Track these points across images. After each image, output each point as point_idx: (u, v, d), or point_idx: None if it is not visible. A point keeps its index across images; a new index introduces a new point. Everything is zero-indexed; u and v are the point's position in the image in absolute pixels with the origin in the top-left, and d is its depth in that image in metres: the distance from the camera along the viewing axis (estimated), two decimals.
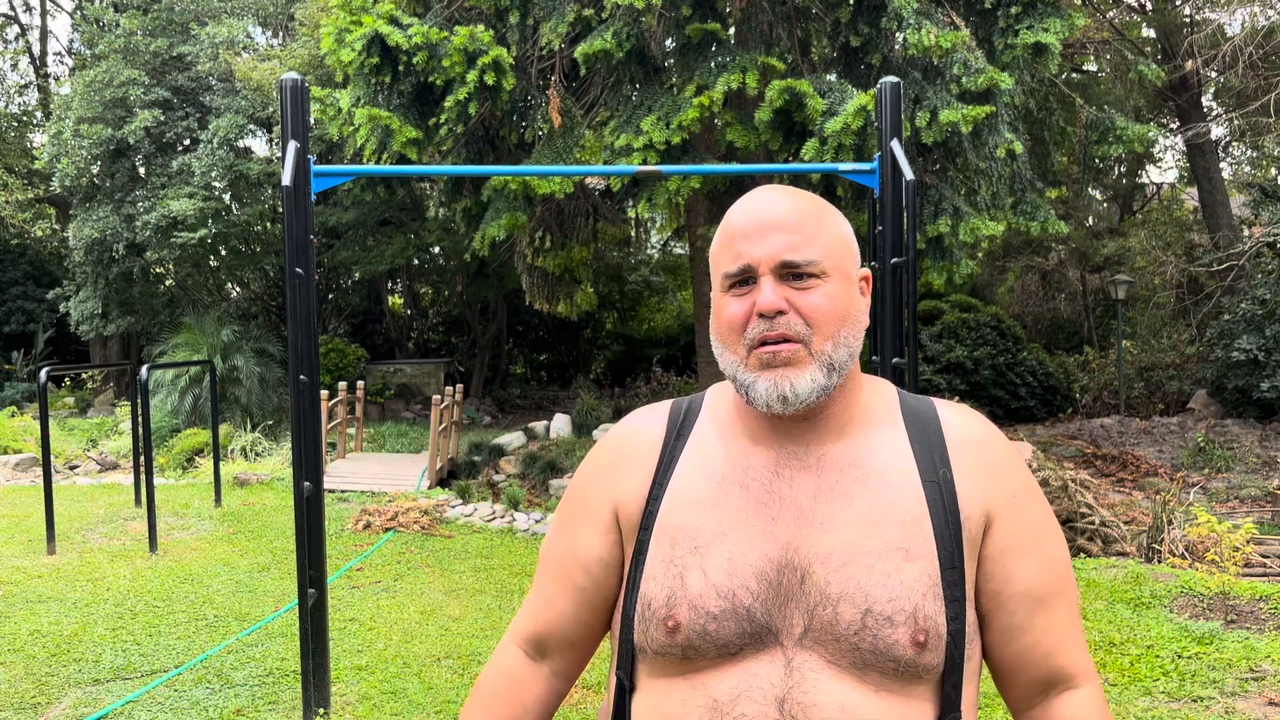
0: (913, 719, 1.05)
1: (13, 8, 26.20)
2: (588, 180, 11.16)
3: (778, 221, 1.08)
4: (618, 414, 13.48)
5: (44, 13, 24.45)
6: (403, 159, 8.91)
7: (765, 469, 1.11)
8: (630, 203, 12.45)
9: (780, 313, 1.06)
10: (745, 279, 1.09)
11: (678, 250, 21.47)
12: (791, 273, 1.07)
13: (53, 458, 10.54)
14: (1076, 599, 1.14)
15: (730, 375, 1.11)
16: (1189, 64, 13.38)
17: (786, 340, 1.06)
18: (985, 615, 1.11)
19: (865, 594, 1.03)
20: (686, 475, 1.14)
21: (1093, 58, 14.70)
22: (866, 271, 1.16)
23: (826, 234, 1.10)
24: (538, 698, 1.24)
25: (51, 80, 23.55)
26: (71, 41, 24.26)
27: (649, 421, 1.22)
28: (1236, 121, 16.37)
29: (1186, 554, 6.24)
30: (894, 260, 4.27)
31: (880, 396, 1.17)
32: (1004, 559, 1.10)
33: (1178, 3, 15.57)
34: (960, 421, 1.15)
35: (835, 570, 1.05)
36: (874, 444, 1.12)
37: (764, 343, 1.07)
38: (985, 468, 1.12)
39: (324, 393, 10.34)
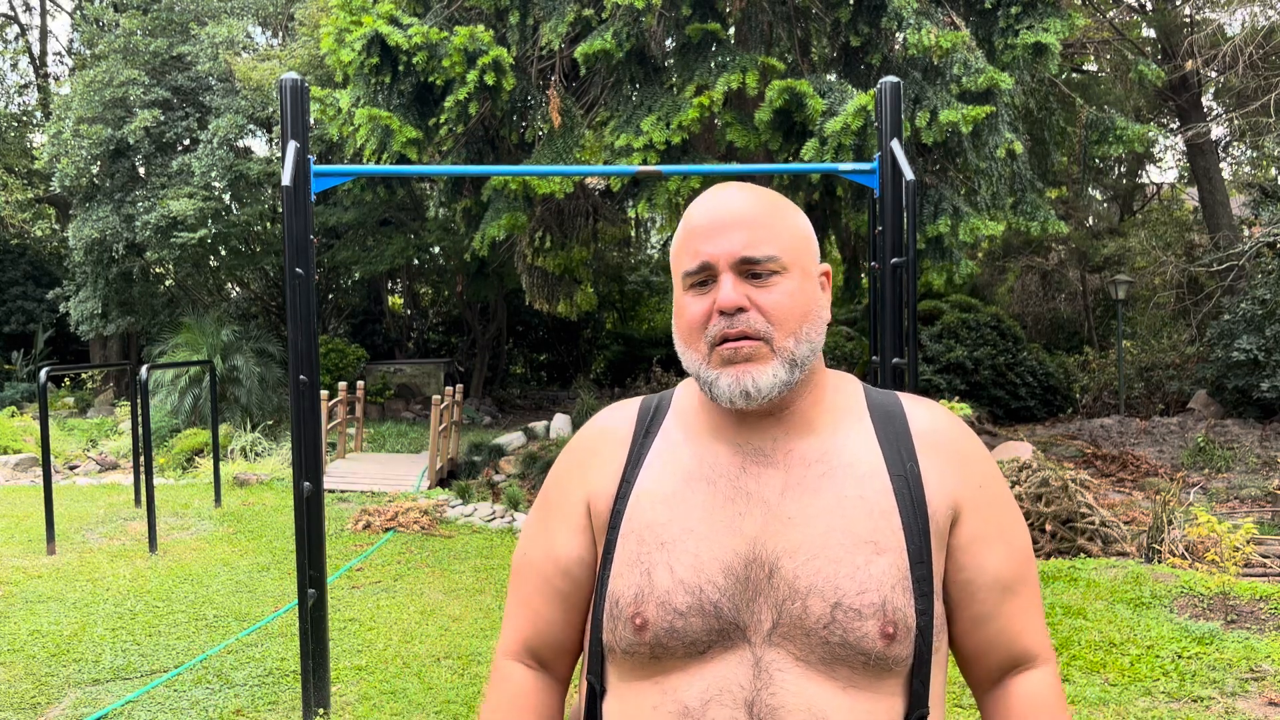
0: (881, 716, 1.04)
1: (13, 8, 26.24)
2: (588, 180, 11.16)
3: (735, 218, 1.08)
4: None
5: (44, 13, 24.46)
6: (403, 159, 8.91)
7: (732, 465, 1.11)
8: (630, 203, 12.45)
9: (741, 310, 1.06)
10: (705, 278, 1.08)
11: None
12: (750, 270, 1.07)
13: (53, 458, 10.54)
14: (1036, 581, 1.16)
15: (694, 373, 1.11)
16: (1189, 64, 13.38)
17: (747, 338, 1.06)
18: (955, 604, 1.12)
19: (834, 587, 1.03)
20: (654, 472, 1.14)
21: (1093, 58, 14.71)
22: (827, 267, 1.16)
23: (785, 229, 1.10)
24: (549, 706, 1.23)
25: (51, 80, 23.57)
26: (71, 41, 24.25)
27: (618, 418, 1.22)
28: (1236, 121, 16.37)
29: (1186, 554, 6.24)
30: (894, 260, 4.27)
31: (846, 391, 1.17)
32: (973, 548, 1.11)
33: (1178, 3, 15.57)
34: (925, 414, 1.16)
35: (804, 564, 1.04)
36: (841, 439, 1.11)
37: (725, 340, 1.07)
38: (951, 460, 1.12)
39: (324, 393, 10.34)
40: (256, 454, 13.24)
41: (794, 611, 1.03)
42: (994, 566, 1.11)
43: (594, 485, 1.18)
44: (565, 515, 1.20)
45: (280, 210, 10.02)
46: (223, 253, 16.23)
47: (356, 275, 18.30)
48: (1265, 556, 6.49)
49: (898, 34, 8.64)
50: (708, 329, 1.08)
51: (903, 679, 1.05)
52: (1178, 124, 16.76)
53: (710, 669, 1.05)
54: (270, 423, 14.52)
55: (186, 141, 15.93)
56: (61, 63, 25.78)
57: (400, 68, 8.82)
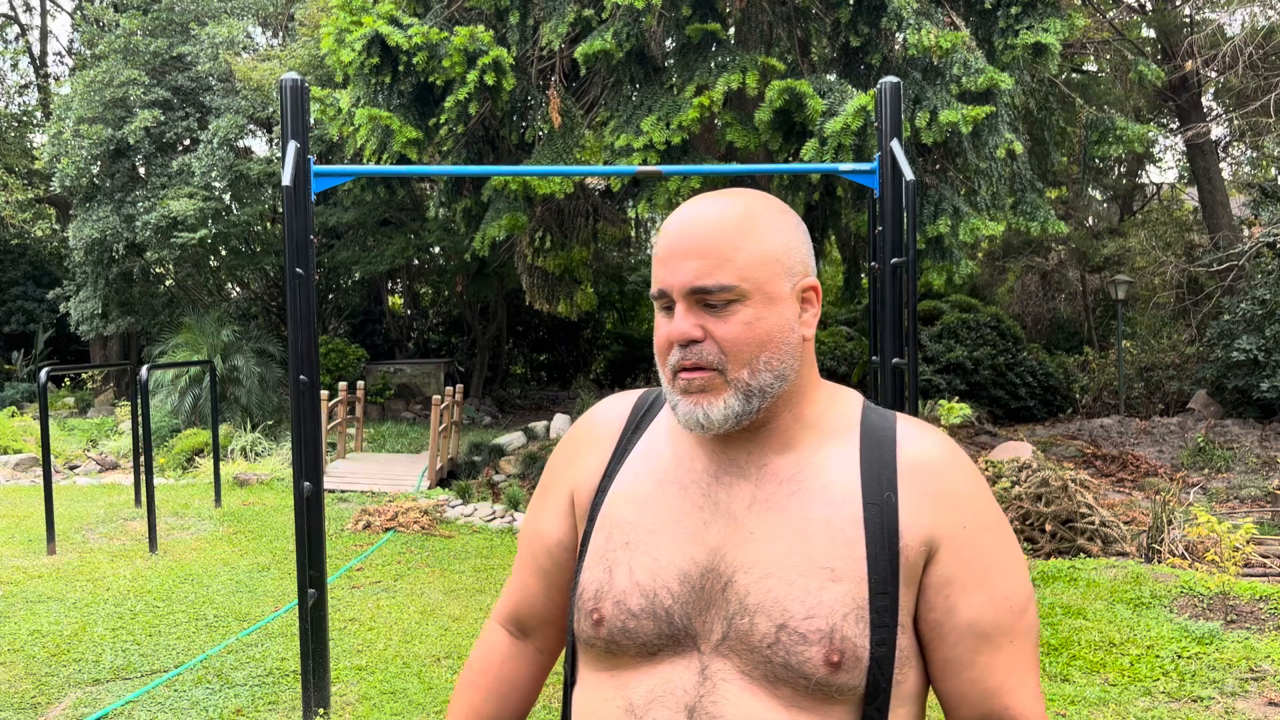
0: None
1: (13, 8, 26.21)
2: (588, 180, 11.16)
3: (692, 245, 1.05)
4: None
5: (44, 13, 24.45)
6: (403, 159, 8.91)
7: (706, 473, 1.11)
8: (630, 203, 12.45)
9: (695, 341, 1.05)
10: (667, 304, 1.08)
11: None
12: (705, 300, 1.05)
13: (53, 458, 10.54)
14: (1032, 641, 1.09)
15: (664, 393, 1.12)
16: (1189, 64, 13.37)
17: (700, 369, 1.06)
18: (926, 645, 1.08)
19: (782, 608, 1.02)
20: (633, 469, 1.15)
21: (1093, 58, 14.70)
22: (811, 282, 1.11)
23: (747, 253, 1.05)
24: (522, 674, 1.29)
25: (51, 80, 23.55)
26: (71, 41, 24.26)
27: (614, 410, 1.24)
28: (1236, 121, 16.38)
29: (1186, 554, 6.24)
30: (894, 260, 4.27)
31: (839, 410, 1.13)
32: (947, 590, 1.06)
33: (1178, 3, 15.57)
34: (918, 444, 1.10)
35: (757, 581, 1.04)
36: (821, 459, 1.09)
37: (683, 369, 1.06)
38: (935, 495, 1.07)
39: (324, 393, 10.34)
40: (256, 454, 13.24)
41: (742, 627, 1.03)
42: (969, 612, 1.05)
43: (579, 476, 1.20)
44: (554, 498, 1.24)
45: (280, 210, 10.01)
46: (223, 253, 16.23)
47: (356, 275, 18.30)
48: (1265, 556, 6.49)
49: (898, 34, 8.64)
50: (670, 355, 1.07)
51: (853, 706, 1.02)
52: (1178, 124, 16.77)
53: (659, 670, 1.06)
54: (270, 423, 14.52)
55: (186, 141, 15.93)
56: (61, 63, 25.80)
57: (400, 68, 8.82)
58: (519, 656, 1.29)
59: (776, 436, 1.10)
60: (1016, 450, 9.72)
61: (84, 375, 19.58)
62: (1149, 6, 16.15)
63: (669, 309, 1.08)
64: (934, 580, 1.06)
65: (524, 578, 1.27)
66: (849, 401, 1.15)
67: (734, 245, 1.05)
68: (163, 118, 15.04)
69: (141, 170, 15.77)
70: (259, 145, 18.51)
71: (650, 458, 1.15)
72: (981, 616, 1.06)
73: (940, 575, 1.06)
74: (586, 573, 1.12)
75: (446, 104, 8.66)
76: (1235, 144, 19.77)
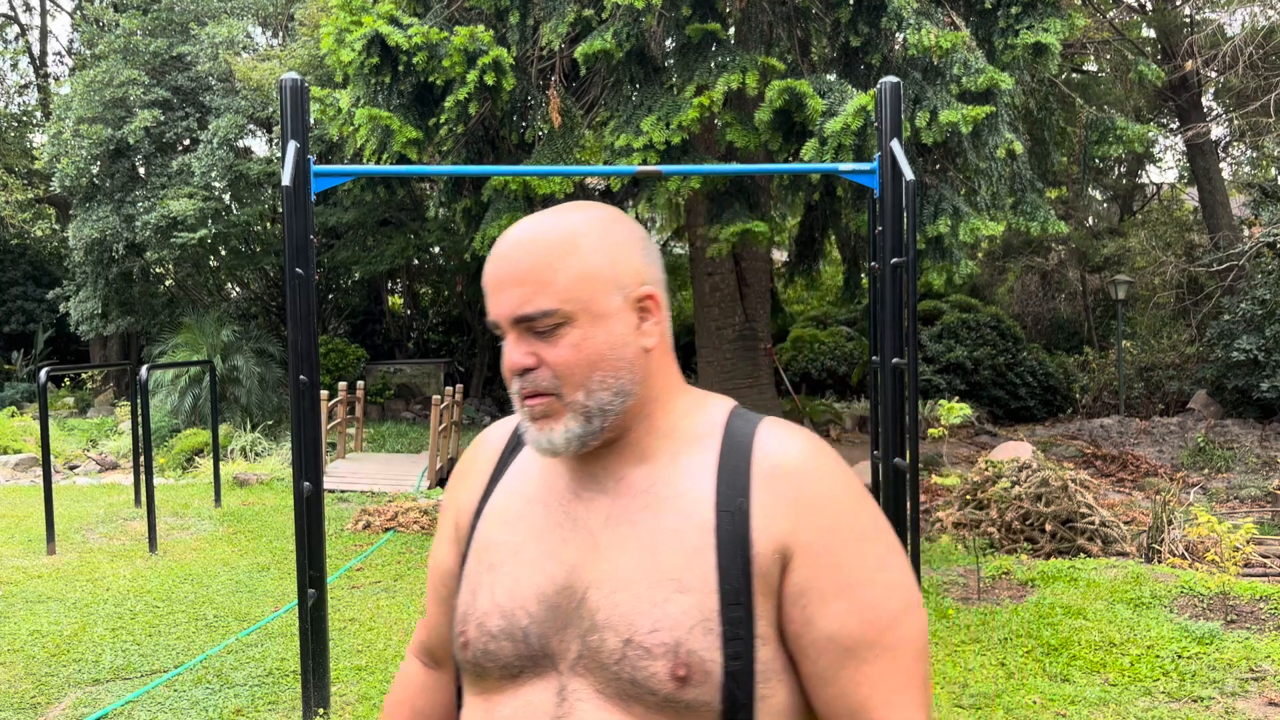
0: None
1: (13, 8, 26.21)
2: (588, 180, 11.16)
3: (509, 274, 1.05)
4: None
5: (44, 13, 24.47)
6: (403, 159, 8.91)
7: (567, 489, 1.10)
8: (630, 203, 12.44)
9: (529, 369, 1.05)
10: (501, 333, 1.08)
11: (677, 250, 21.47)
12: (531, 327, 1.04)
13: (53, 458, 10.55)
14: (909, 654, 1.02)
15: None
16: (1189, 64, 13.38)
17: (539, 395, 1.05)
18: (792, 658, 1.04)
19: (629, 623, 1.00)
20: (505, 490, 1.15)
21: (1093, 58, 14.70)
22: (647, 290, 1.08)
23: (566, 274, 1.04)
24: (436, 704, 1.30)
25: (51, 80, 23.57)
26: (71, 41, 24.27)
27: (494, 435, 1.23)
28: (1236, 121, 16.39)
29: (1186, 554, 6.24)
30: (894, 260, 4.28)
31: (702, 417, 1.11)
32: (804, 600, 1.01)
33: (1178, 3, 15.58)
34: (775, 448, 1.06)
35: (606, 596, 1.02)
36: (677, 469, 1.07)
37: (524, 396, 1.07)
38: (787, 499, 1.02)
39: (324, 393, 10.34)
40: (256, 454, 13.24)
41: (593, 644, 1.01)
42: (829, 624, 1.00)
43: (461, 501, 1.20)
44: (444, 526, 1.24)
45: (280, 210, 10.02)
46: (223, 253, 16.23)
47: (356, 275, 18.30)
48: (1265, 556, 6.50)
49: (898, 34, 8.64)
50: (513, 383, 1.07)
51: None
52: (1178, 124, 16.78)
53: (522, 692, 1.05)
54: (270, 423, 14.52)
55: (186, 141, 15.93)
56: (61, 63, 25.81)
57: (400, 68, 8.82)
58: (433, 687, 1.30)
59: (632, 449, 1.09)
60: (1016, 450, 9.72)
61: (84, 375, 19.58)
62: (1149, 6, 16.16)
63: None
64: (790, 590, 1.01)
65: (430, 608, 1.27)
66: (713, 408, 1.12)
67: (552, 268, 1.04)
68: (163, 118, 15.04)
69: (141, 170, 15.77)
70: (259, 145, 18.52)
71: (522, 477, 1.15)
72: (843, 629, 1.01)
73: (796, 585, 1.01)
74: (459, 596, 1.13)
75: (446, 104, 8.66)
76: (1235, 144, 19.79)
